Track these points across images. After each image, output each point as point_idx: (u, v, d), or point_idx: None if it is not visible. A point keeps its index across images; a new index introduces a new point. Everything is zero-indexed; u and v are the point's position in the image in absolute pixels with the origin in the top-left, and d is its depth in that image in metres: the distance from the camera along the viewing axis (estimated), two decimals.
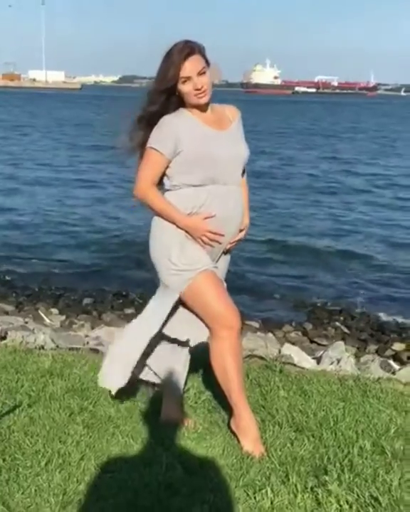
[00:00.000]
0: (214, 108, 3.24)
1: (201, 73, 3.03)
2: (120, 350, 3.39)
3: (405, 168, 23.13)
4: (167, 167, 3.14)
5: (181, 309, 3.27)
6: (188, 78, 3.03)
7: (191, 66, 3.01)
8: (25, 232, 11.71)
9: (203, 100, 3.09)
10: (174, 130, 3.07)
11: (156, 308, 3.27)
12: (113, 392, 3.39)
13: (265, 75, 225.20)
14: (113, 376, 3.37)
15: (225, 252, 3.37)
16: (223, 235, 3.20)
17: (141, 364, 3.41)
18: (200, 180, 3.12)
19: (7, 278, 8.94)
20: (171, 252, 3.14)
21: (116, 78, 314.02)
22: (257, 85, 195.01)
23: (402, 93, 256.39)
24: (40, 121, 42.05)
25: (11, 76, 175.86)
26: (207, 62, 3.09)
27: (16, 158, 22.79)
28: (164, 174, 3.17)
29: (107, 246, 10.94)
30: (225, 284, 3.29)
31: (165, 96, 3.10)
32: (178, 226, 3.14)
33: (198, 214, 3.13)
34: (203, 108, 3.16)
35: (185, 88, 3.06)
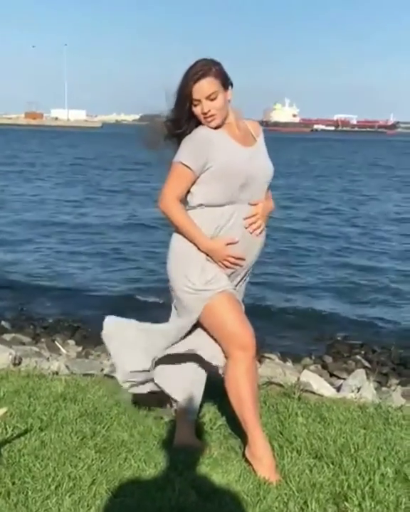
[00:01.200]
0: (238, 123, 3.19)
1: (211, 98, 2.99)
2: (129, 346, 3.45)
3: None
4: (193, 183, 3.09)
5: (198, 332, 3.21)
6: (198, 100, 3.01)
7: (200, 90, 2.99)
8: (42, 263, 11.72)
9: (212, 124, 3.06)
10: (205, 145, 3.02)
11: (173, 326, 3.21)
12: (123, 384, 3.46)
13: (285, 113, 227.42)
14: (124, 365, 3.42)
15: (245, 274, 3.31)
16: (244, 260, 3.15)
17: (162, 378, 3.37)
18: (226, 199, 3.06)
19: (24, 309, 8.90)
20: (191, 271, 3.08)
21: (137, 116, 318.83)
22: (276, 123, 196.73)
23: None
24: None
25: (33, 115, 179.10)
26: (225, 83, 3.05)
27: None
28: (188, 191, 3.12)
29: (125, 275, 10.90)
30: (243, 306, 3.22)
31: (187, 117, 3.07)
32: (199, 248, 3.08)
33: (221, 238, 3.08)
34: (230, 124, 3.12)
35: (196, 110, 3.04)
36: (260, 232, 3.17)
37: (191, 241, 3.09)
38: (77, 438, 3.34)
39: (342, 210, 20.59)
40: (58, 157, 42.40)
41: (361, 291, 10.49)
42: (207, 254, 3.10)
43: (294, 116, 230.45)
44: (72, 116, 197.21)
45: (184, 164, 3.03)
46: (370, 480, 2.97)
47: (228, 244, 3.08)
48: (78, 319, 8.46)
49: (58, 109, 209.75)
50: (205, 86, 2.98)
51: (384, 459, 3.23)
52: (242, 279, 3.29)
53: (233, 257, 3.11)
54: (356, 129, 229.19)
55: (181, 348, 3.24)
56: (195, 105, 3.03)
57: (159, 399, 3.58)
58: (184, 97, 3.03)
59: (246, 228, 3.10)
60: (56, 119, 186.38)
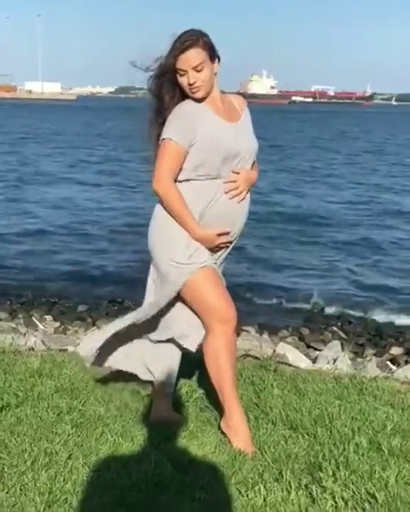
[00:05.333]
0: (223, 98, 3.17)
1: (197, 68, 2.96)
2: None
3: None
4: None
5: (179, 309, 3.21)
6: (184, 71, 2.97)
7: (187, 60, 2.95)
8: (17, 239, 11.60)
9: (197, 96, 3.03)
10: (188, 120, 3.00)
11: (153, 299, 3.20)
12: (85, 360, 3.51)
13: (262, 85, 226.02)
14: (86, 344, 3.46)
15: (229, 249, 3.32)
16: (232, 241, 3.19)
17: (132, 356, 3.38)
18: (211, 175, 3.04)
19: (0, 285, 8.83)
20: (176, 246, 3.07)
21: (112, 89, 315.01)
22: (254, 95, 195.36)
23: (393, 102, 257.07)
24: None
25: (6, 87, 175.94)
26: (212, 55, 3.01)
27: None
28: None
29: (101, 253, 10.85)
30: (224, 281, 3.22)
31: (172, 87, 3.04)
32: (190, 235, 3.06)
33: (214, 228, 3.07)
34: (214, 98, 3.09)
35: (181, 80, 3.01)
36: (241, 200, 3.14)
37: (183, 228, 3.07)
38: (54, 413, 3.34)
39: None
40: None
41: (336, 264, 10.55)
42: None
43: (272, 88, 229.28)
44: (47, 89, 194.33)
45: (172, 140, 3.00)
46: (344, 450, 3.00)
47: (219, 234, 3.10)
48: (56, 295, 8.43)
49: (32, 82, 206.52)
50: (192, 56, 2.95)
51: (358, 429, 3.27)
52: (226, 254, 3.29)
53: (222, 243, 3.14)
54: (333, 100, 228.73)
55: (156, 336, 3.28)
56: (181, 75, 2.99)
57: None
58: (170, 67, 2.99)
59: (226, 193, 3.09)
60: (30, 92, 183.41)
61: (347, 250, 11.37)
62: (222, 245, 3.17)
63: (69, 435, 3.10)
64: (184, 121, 3.01)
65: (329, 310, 8.26)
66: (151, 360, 3.38)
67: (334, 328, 7.48)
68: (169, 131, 3.01)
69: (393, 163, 27.35)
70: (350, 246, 11.72)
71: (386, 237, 12.37)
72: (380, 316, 8.05)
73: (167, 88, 3.07)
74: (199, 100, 3.06)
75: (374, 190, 18.87)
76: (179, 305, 3.20)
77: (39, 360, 4.13)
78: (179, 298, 3.16)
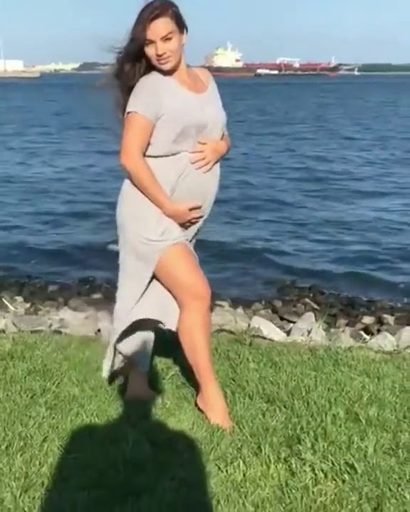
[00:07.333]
0: (188, 71, 3.09)
1: (165, 38, 2.87)
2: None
3: None
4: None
5: (152, 289, 3.14)
6: (151, 41, 2.88)
7: (155, 29, 2.85)
8: None
9: (165, 67, 2.94)
10: (154, 92, 2.92)
11: (132, 284, 3.13)
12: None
13: (227, 58, 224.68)
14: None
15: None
16: (202, 216, 3.14)
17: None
18: (179, 148, 2.97)
19: None
20: (147, 222, 3.01)
21: (76, 66, 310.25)
22: (219, 69, 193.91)
23: (355, 73, 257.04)
24: None
25: None
26: (180, 26, 2.93)
27: None
28: None
29: (70, 230, 10.71)
30: (197, 257, 3.17)
31: (137, 57, 2.95)
32: (162, 210, 3.00)
33: (185, 203, 3.01)
34: (180, 70, 3.01)
35: (149, 51, 2.91)
36: (207, 170, 3.07)
37: (153, 203, 3.00)
38: (27, 396, 3.29)
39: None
40: None
41: (306, 234, 10.56)
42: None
43: (237, 61, 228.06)
44: (9, 66, 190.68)
45: (140, 114, 2.92)
46: (322, 421, 3.00)
47: (191, 209, 3.04)
48: (25, 275, 8.31)
49: None
50: (161, 26, 2.86)
51: (335, 399, 3.27)
52: (197, 229, 3.23)
53: (194, 218, 3.09)
54: (299, 72, 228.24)
55: (134, 315, 3.18)
56: (148, 46, 2.90)
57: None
58: (136, 39, 2.89)
59: (193, 164, 3.03)
60: None
61: (313, 223, 11.36)
62: (193, 220, 3.12)
63: (43, 418, 3.06)
64: (149, 94, 2.93)
65: (301, 281, 8.26)
66: (123, 338, 3.32)
67: (307, 300, 7.49)
68: (134, 104, 2.93)
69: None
70: (316, 219, 11.72)
71: (351, 212, 12.35)
72: (351, 287, 8.08)
73: (134, 60, 2.97)
74: (166, 72, 2.98)
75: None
76: (154, 283, 3.14)
77: (10, 343, 4.06)
78: (153, 276, 3.10)
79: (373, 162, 18.59)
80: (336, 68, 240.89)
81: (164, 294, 3.12)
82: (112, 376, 3.42)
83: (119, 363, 3.35)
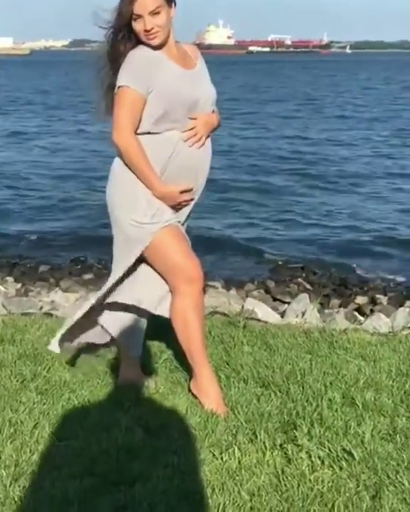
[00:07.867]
0: (177, 46, 3.00)
1: (153, 13, 2.77)
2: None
3: None
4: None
5: (141, 273, 3.07)
6: (139, 16, 2.78)
7: (143, 3, 2.76)
8: None
9: (153, 42, 2.85)
10: (144, 66, 2.83)
11: (118, 262, 3.06)
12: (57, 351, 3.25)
13: (219, 35, 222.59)
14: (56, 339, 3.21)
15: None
16: (193, 199, 3.06)
17: (97, 326, 3.23)
18: (170, 125, 2.89)
19: None
20: (137, 204, 2.93)
21: (66, 42, 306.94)
22: (210, 46, 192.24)
23: (347, 50, 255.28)
24: None
25: None
26: (170, 1, 2.84)
27: None
28: None
29: (61, 211, 10.60)
30: (189, 239, 3.09)
31: (126, 33, 2.85)
32: (152, 192, 2.91)
33: (176, 185, 2.94)
34: (169, 46, 2.92)
35: (136, 26, 2.82)
36: (200, 146, 2.99)
37: (144, 184, 2.92)
38: (17, 381, 3.23)
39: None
40: None
41: (296, 214, 10.48)
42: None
43: (228, 38, 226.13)
44: None
45: (128, 87, 2.82)
46: (318, 406, 2.95)
47: (182, 192, 2.96)
48: (16, 256, 8.23)
49: None
50: (148, 0, 2.76)
51: (331, 383, 3.23)
52: (189, 211, 3.15)
53: (185, 200, 3.02)
54: (291, 49, 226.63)
55: (121, 298, 3.10)
56: (136, 21, 2.81)
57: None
58: (124, 14, 2.80)
59: (185, 141, 2.94)
60: None
61: (303, 203, 11.28)
62: (184, 203, 3.04)
63: (34, 403, 3.00)
64: (139, 67, 2.85)
65: (293, 261, 8.21)
66: (115, 322, 3.25)
67: (300, 280, 7.45)
68: (124, 79, 2.84)
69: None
70: (307, 198, 11.64)
71: (338, 197, 12.23)
72: (343, 266, 8.05)
73: (123, 35, 2.88)
74: (155, 48, 2.89)
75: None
76: (146, 267, 3.07)
77: (0, 326, 3.99)
78: (145, 259, 3.03)
79: (362, 144, 18.41)
80: (328, 45, 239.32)
81: (154, 280, 3.04)
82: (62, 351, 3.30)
83: (74, 337, 3.23)
